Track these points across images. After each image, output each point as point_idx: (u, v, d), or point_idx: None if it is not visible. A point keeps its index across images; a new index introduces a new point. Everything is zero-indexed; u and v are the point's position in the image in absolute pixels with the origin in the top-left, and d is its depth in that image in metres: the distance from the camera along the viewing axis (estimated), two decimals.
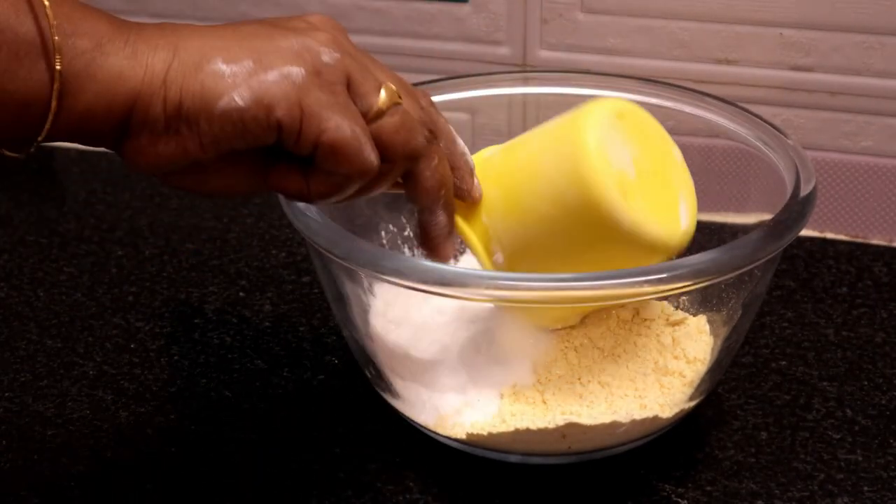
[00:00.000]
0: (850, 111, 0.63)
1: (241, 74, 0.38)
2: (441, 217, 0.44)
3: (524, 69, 0.67)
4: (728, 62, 0.64)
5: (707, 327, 0.52)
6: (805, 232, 0.65)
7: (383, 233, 0.58)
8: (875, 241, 0.65)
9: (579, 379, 0.47)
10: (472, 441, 0.47)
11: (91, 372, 0.55)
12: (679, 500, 0.47)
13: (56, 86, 0.36)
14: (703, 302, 0.52)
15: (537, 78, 0.61)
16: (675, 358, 0.50)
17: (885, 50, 0.61)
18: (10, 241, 0.66)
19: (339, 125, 0.38)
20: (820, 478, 0.48)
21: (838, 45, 0.62)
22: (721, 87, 0.64)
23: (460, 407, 0.47)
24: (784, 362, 0.55)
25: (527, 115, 0.67)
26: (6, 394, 0.54)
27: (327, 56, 0.39)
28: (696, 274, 0.43)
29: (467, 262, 0.58)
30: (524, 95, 0.65)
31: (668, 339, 0.51)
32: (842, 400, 0.52)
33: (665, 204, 0.45)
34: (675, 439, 0.49)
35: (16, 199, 0.71)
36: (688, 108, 0.56)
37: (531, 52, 0.67)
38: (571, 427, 0.46)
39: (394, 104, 0.40)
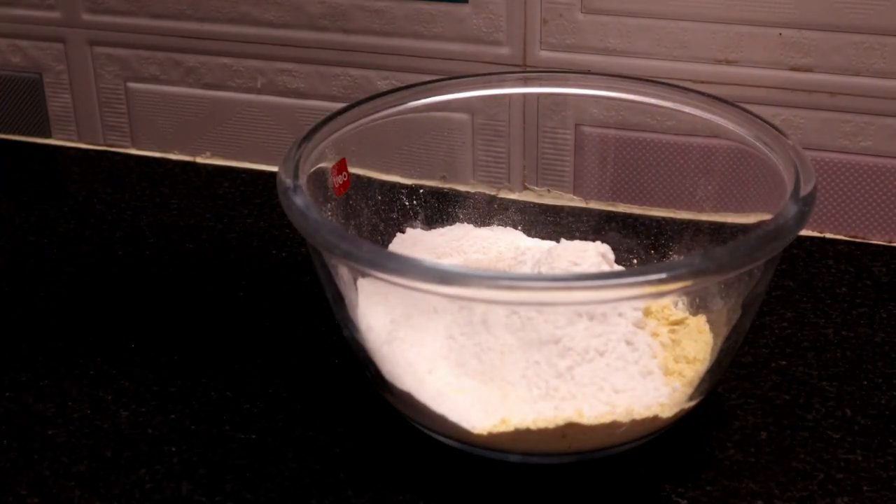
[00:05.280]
0: (850, 111, 0.63)
1: None
2: None
3: (524, 69, 0.67)
4: (728, 62, 0.64)
5: (707, 327, 0.52)
6: (805, 232, 0.65)
7: (382, 232, 0.58)
8: (875, 241, 0.65)
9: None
10: (472, 441, 0.47)
11: (91, 372, 0.55)
12: (679, 499, 0.47)
13: None
14: (703, 302, 0.52)
15: (537, 78, 0.61)
16: (675, 358, 0.50)
17: (885, 50, 0.61)
18: (10, 241, 0.66)
19: None
20: (819, 477, 0.48)
21: (838, 45, 0.62)
22: (721, 87, 0.64)
23: (460, 407, 0.47)
24: (784, 362, 0.55)
25: (527, 115, 0.67)
26: (6, 394, 0.54)
27: None
28: (696, 274, 0.43)
29: (467, 261, 0.58)
30: (524, 95, 0.65)
31: (667, 339, 0.51)
32: (841, 400, 0.52)
33: None
34: (675, 439, 0.50)
35: (16, 199, 0.71)
36: (688, 108, 0.56)
37: (531, 52, 0.67)
38: (571, 427, 0.46)
39: None
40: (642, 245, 0.59)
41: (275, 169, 0.70)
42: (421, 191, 0.60)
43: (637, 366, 0.48)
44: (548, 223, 0.61)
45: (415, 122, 0.58)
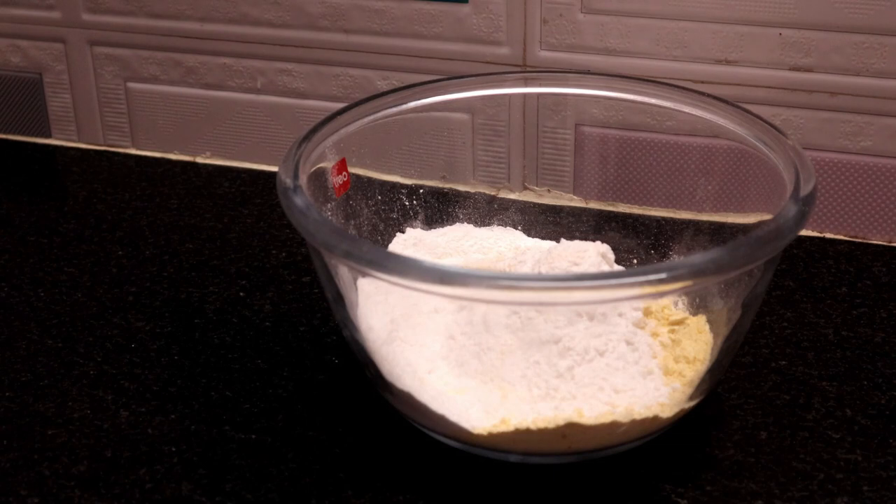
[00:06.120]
0: (850, 111, 0.63)
1: None
2: None
3: (524, 69, 0.67)
4: (728, 62, 0.64)
5: (707, 327, 0.52)
6: (805, 232, 0.65)
7: (382, 232, 0.58)
8: (875, 241, 0.65)
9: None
10: (472, 441, 0.47)
11: (91, 372, 0.55)
12: (679, 499, 0.47)
13: None
14: (703, 302, 0.52)
15: (537, 78, 0.61)
16: (675, 358, 0.50)
17: (885, 50, 0.62)
18: (10, 241, 0.66)
19: None
20: (819, 477, 0.48)
21: (838, 45, 0.62)
22: (721, 87, 0.64)
23: (460, 407, 0.47)
24: (784, 362, 0.55)
25: (527, 115, 0.67)
26: (6, 394, 0.54)
27: None
28: (696, 274, 0.43)
29: (465, 262, 0.58)
30: (524, 95, 0.65)
31: (667, 339, 0.51)
32: (841, 400, 0.52)
33: None
34: (675, 439, 0.50)
35: (16, 199, 0.71)
36: (688, 108, 0.56)
37: (531, 52, 0.67)
38: (571, 427, 0.46)
39: None
40: (642, 245, 0.59)
41: (275, 169, 0.70)
42: (421, 191, 0.60)
43: (637, 366, 0.48)
44: (548, 223, 0.61)
45: (415, 122, 0.58)
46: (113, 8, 0.74)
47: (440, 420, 0.47)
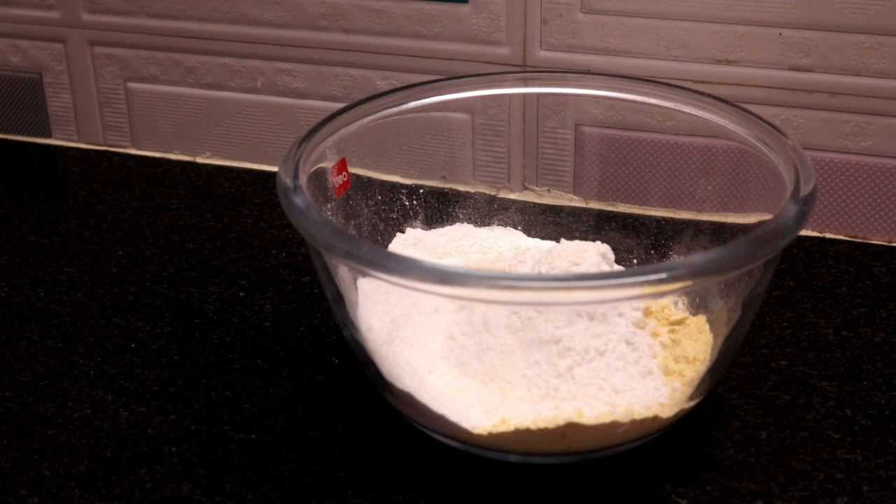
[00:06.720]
0: (850, 111, 0.63)
1: None
2: None
3: (524, 69, 0.67)
4: (728, 62, 0.64)
5: (707, 327, 0.52)
6: (805, 232, 0.65)
7: (382, 232, 0.58)
8: (875, 241, 0.65)
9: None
10: (472, 441, 0.47)
11: (91, 372, 0.55)
12: (679, 499, 0.47)
13: None
14: (703, 302, 0.52)
15: (537, 78, 0.61)
16: (675, 358, 0.50)
17: (884, 50, 0.62)
18: (10, 241, 0.66)
19: None
20: (819, 477, 0.48)
21: (838, 45, 0.62)
22: (721, 87, 0.64)
23: (460, 407, 0.47)
24: (784, 362, 0.55)
25: (527, 115, 0.67)
26: (6, 394, 0.54)
27: None
28: (696, 274, 0.43)
29: (465, 261, 0.58)
30: (524, 95, 0.65)
31: (667, 339, 0.51)
32: (841, 400, 0.52)
33: None
34: (675, 439, 0.50)
35: (16, 199, 0.71)
36: (688, 108, 0.56)
37: (531, 52, 0.67)
38: (571, 427, 0.46)
39: None
40: (642, 245, 0.59)
41: (275, 169, 0.70)
42: (421, 191, 0.60)
43: (637, 366, 0.48)
44: (548, 223, 0.61)
45: (415, 122, 0.58)
46: (113, 8, 0.74)
47: (440, 420, 0.47)
